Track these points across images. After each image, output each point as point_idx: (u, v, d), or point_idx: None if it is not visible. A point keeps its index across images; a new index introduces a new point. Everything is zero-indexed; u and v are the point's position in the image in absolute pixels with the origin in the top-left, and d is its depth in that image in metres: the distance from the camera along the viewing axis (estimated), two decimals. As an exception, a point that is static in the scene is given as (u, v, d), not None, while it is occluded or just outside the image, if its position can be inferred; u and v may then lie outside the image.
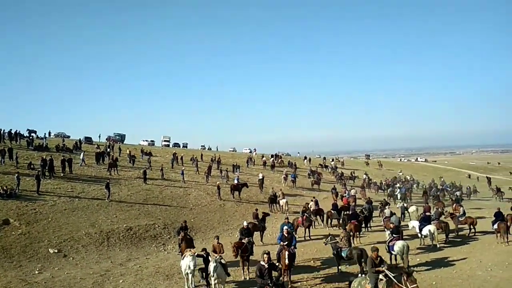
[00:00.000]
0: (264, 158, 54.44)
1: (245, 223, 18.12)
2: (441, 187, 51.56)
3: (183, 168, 37.19)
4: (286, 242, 14.40)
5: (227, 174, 39.45)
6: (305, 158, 64.50)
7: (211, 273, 12.46)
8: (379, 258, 10.87)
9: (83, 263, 17.20)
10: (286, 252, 13.63)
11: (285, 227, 15.69)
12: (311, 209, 25.42)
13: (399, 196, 39.75)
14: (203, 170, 39.56)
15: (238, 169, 43.43)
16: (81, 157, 35.08)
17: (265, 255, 10.72)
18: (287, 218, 19.30)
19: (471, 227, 21.59)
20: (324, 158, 71.33)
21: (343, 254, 14.57)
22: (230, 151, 76.82)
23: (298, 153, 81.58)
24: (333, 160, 68.99)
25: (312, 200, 27.67)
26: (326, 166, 59.19)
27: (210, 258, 13.46)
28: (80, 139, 49.42)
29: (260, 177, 38.83)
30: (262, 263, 10.68)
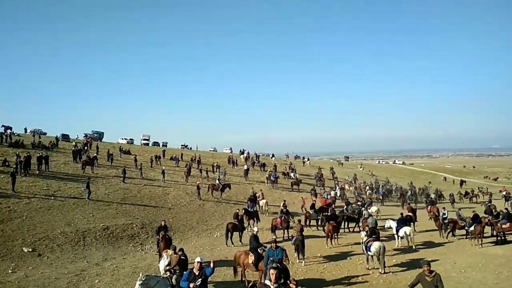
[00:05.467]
0: (243, 155, 57.53)
1: (255, 229, 15.86)
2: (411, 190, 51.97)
3: (163, 168, 36.83)
4: (199, 281, 9.23)
5: (225, 172, 42.28)
6: (272, 155, 68.34)
7: None
8: (433, 273, 8.85)
9: (58, 262, 16.82)
10: None
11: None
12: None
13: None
14: (182, 170, 39.42)
15: (218, 169, 43.30)
16: None
17: (272, 272, 7.69)
18: (275, 242, 12.78)
19: (454, 229, 21.98)
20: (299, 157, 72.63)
21: (291, 242, 16.70)
22: (210, 151, 76.58)
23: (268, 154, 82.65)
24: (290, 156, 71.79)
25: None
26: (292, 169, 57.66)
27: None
28: (57, 136, 48.55)
29: (245, 168, 45.04)
30: (267, 282, 7.83)
